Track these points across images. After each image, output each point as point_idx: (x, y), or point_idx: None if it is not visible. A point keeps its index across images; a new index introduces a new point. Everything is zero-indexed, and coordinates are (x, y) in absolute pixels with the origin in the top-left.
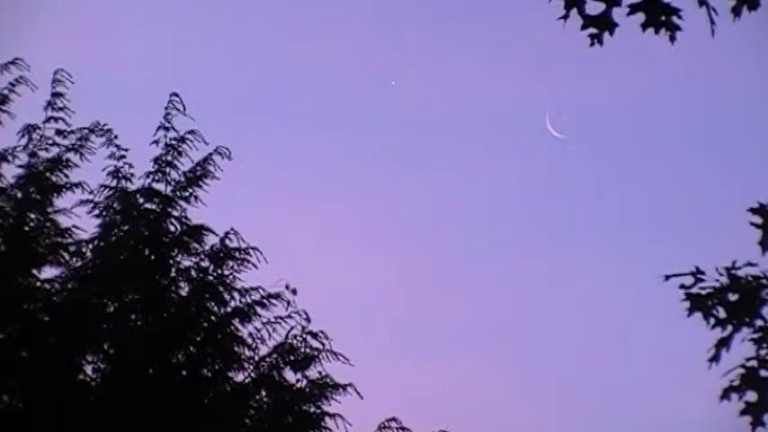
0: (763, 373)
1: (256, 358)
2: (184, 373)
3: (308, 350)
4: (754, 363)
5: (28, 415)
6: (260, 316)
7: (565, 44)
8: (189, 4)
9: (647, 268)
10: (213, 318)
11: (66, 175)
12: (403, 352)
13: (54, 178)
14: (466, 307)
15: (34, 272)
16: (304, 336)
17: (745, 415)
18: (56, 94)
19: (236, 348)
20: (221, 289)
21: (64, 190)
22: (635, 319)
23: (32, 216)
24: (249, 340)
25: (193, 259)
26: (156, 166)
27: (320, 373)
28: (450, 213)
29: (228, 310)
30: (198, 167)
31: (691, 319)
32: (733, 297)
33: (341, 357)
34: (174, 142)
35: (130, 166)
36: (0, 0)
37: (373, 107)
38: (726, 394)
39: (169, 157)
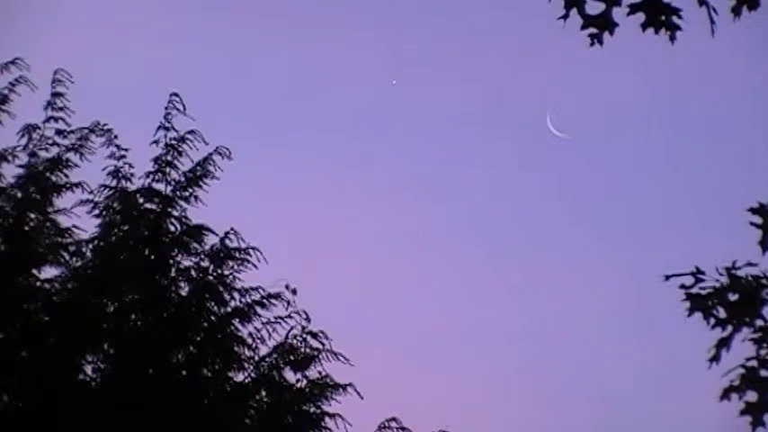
0: (763, 373)
1: (256, 358)
2: (184, 373)
3: (308, 350)
4: (754, 363)
5: (28, 415)
6: (260, 316)
7: (565, 44)
8: (189, 4)
9: (648, 268)
10: (213, 318)
11: (67, 175)
12: (403, 352)
13: (54, 178)
14: (466, 307)
15: (34, 272)
16: (304, 336)
17: (745, 415)
18: (56, 94)
19: (236, 348)
20: (221, 289)
21: (64, 190)
22: (634, 319)
23: (32, 216)
24: (249, 340)
25: (193, 259)
26: (156, 166)
27: (320, 373)
28: (451, 213)
29: (228, 310)
30: (198, 167)
31: (691, 319)
32: (733, 297)
33: (341, 357)
34: (174, 142)
35: (130, 166)
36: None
37: (374, 106)
38: (726, 394)
39: (169, 157)
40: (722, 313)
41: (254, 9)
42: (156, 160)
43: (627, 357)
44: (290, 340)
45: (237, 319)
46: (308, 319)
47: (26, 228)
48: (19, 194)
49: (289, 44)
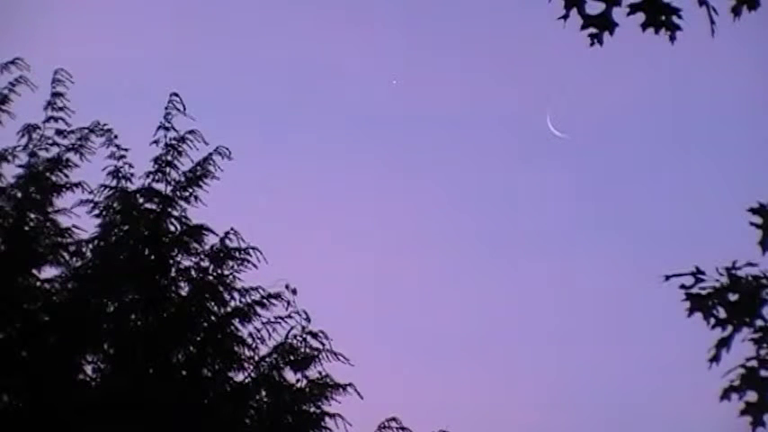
0: (763, 373)
1: (256, 358)
2: (184, 373)
3: (308, 350)
4: (754, 363)
5: (28, 415)
6: (260, 316)
7: (565, 44)
8: (189, 3)
9: (648, 268)
10: (213, 318)
11: (67, 175)
12: (403, 352)
13: (54, 178)
14: (467, 307)
15: (34, 272)
16: (304, 336)
17: (745, 415)
18: (56, 94)
19: (236, 348)
20: (221, 289)
21: (64, 190)
22: (635, 319)
23: (32, 216)
24: (249, 340)
25: (193, 259)
26: (156, 166)
27: (320, 373)
28: (451, 212)
29: (228, 310)
30: (198, 167)
31: (691, 319)
32: (733, 297)
33: (341, 357)
34: (174, 142)
35: (130, 166)
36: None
37: (374, 106)
38: (726, 394)
39: (169, 157)
40: (722, 313)
41: (253, 8)
42: (156, 160)
43: (626, 357)
44: (290, 340)
45: (237, 319)
46: (308, 319)
47: (26, 228)
48: (19, 194)
49: (289, 44)
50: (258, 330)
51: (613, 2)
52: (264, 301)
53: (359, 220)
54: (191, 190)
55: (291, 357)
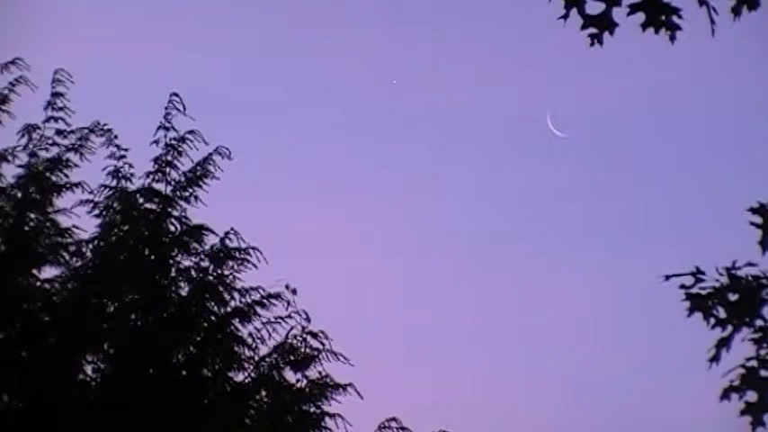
0: (763, 373)
1: (256, 358)
2: (184, 373)
3: (308, 350)
4: (754, 363)
5: (28, 415)
6: (260, 316)
7: (565, 44)
8: (189, 3)
9: (648, 268)
10: (213, 318)
11: (67, 175)
12: (403, 352)
13: (54, 178)
14: (467, 307)
15: (34, 272)
16: (304, 336)
17: (745, 415)
18: (56, 94)
19: (236, 348)
20: (221, 289)
21: (64, 190)
22: (634, 319)
23: (32, 216)
24: (249, 340)
25: (193, 259)
26: (156, 166)
27: (320, 373)
28: (451, 213)
29: (228, 310)
30: (198, 167)
31: (691, 319)
32: (733, 297)
33: (341, 357)
34: (174, 142)
35: (130, 166)
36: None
37: (374, 106)
38: (726, 394)
39: (169, 157)
40: (722, 313)
41: (253, 8)
42: (156, 160)
43: (626, 357)
44: (290, 340)
45: (237, 319)
46: (308, 319)
47: (26, 228)
48: (19, 194)
49: (289, 44)
50: (258, 330)
51: (613, 2)
52: (264, 301)
53: (359, 220)
54: (191, 190)
55: (291, 357)
